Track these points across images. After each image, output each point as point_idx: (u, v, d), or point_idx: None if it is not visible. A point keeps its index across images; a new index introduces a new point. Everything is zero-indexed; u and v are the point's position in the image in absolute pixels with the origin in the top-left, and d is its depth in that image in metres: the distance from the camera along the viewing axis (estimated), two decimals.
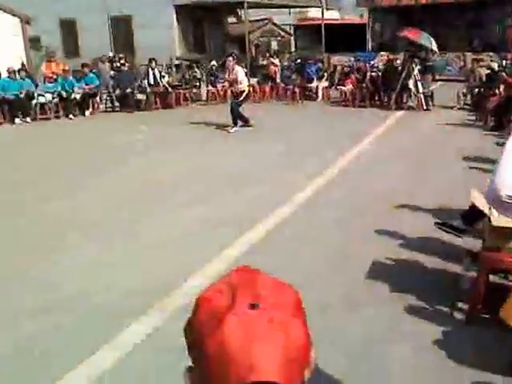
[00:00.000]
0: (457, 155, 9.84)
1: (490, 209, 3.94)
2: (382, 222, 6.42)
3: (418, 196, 7.44)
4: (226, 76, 14.32)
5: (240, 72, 13.55)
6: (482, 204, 4.62)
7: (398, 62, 17.53)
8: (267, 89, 19.38)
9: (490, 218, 4.08)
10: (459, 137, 11.95)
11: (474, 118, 14.06)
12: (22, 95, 15.91)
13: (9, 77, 16.05)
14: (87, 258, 5.71)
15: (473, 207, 5.16)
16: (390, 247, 5.69)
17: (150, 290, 4.82)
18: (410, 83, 15.75)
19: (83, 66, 18.26)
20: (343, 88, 17.96)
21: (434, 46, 15.85)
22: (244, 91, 13.59)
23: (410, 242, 5.81)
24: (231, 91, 14.37)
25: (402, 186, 8.02)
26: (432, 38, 15.87)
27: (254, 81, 19.51)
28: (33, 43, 24.68)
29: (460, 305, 4.39)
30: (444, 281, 4.88)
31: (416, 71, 15.71)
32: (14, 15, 18.53)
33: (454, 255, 5.29)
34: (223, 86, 19.09)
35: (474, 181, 7.58)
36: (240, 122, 13.61)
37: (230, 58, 13.86)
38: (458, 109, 15.73)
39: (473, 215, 5.25)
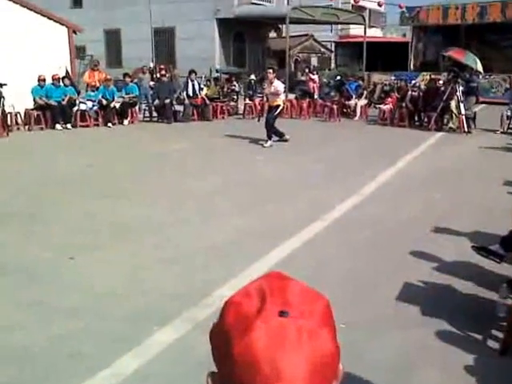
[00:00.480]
0: (497, 180, 9.52)
1: None
2: (416, 244, 6.21)
3: (454, 219, 7.20)
4: (265, 88, 14.19)
5: (279, 86, 13.46)
6: None
7: (441, 82, 17.25)
8: (305, 105, 19.25)
9: None
10: (501, 161, 11.57)
11: None
12: (64, 102, 16.18)
13: (53, 83, 16.34)
14: (122, 260, 5.72)
15: None
16: (424, 270, 5.48)
17: (179, 298, 4.78)
18: (452, 104, 15.41)
19: (125, 75, 18.53)
20: (382, 107, 17.75)
21: (480, 67, 15.55)
22: (279, 105, 13.51)
23: (445, 265, 5.60)
24: (268, 105, 14.23)
25: (438, 209, 7.80)
26: (477, 59, 15.57)
27: (292, 96, 19.46)
28: (78, 52, 25.01)
29: (495, 333, 4.18)
30: (478, 307, 4.67)
31: (459, 92, 15.36)
32: (62, 24, 18.92)
33: (490, 281, 5.09)
34: (261, 100, 19.06)
35: None
36: (275, 137, 13.50)
37: (270, 71, 13.73)
38: (501, 133, 15.32)
39: None
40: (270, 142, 13.28)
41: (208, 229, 6.84)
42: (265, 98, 15.54)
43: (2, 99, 14.64)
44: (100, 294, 4.89)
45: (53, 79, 16.42)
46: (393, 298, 4.83)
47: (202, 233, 6.68)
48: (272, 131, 13.44)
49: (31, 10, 18.11)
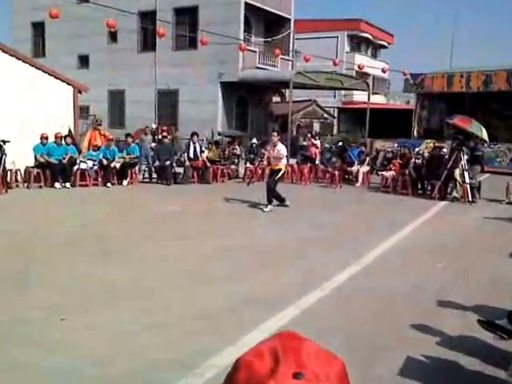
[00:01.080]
0: (503, 252, 9.25)
1: None
2: (419, 316, 5.93)
3: (458, 291, 6.95)
4: (268, 151, 13.95)
5: (282, 149, 13.23)
6: None
7: (445, 150, 17.05)
8: (306, 170, 19.01)
9: None
10: (506, 233, 11.27)
11: None
12: (65, 161, 16.09)
13: (55, 142, 16.32)
14: (110, 324, 5.47)
15: None
16: (427, 344, 5.17)
17: (167, 366, 4.56)
18: (457, 173, 15.15)
19: (127, 135, 18.46)
20: (385, 174, 17.50)
21: (485, 136, 15.36)
22: (281, 169, 13.29)
23: (449, 339, 5.29)
24: (269, 168, 13.97)
25: (441, 281, 7.49)
26: (482, 127, 15.39)
27: (293, 161, 19.26)
28: (81, 112, 25.07)
29: None
30: None
31: (464, 160, 15.11)
32: (68, 84, 19.07)
33: (497, 358, 4.78)
34: (259, 162, 18.81)
35: None
36: (275, 201, 13.19)
37: (275, 133, 13.57)
38: (507, 203, 14.98)
39: None
40: (270, 207, 12.95)
41: (202, 294, 6.57)
42: (265, 162, 15.29)
43: (4, 156, 14.52)
44: (86, 358, 4.67)
45: (55, 138, 16.40)
46: (395, 374, 4.54)
47: (195, 298, 6.41)
48: (272, 195, 13.12)
49: (39, 68, 18.25)
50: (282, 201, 13.33)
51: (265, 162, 15.71)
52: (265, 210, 12.87)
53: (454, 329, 5.54)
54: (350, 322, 5.77)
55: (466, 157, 15.25)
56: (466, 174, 15.07)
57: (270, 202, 13.04)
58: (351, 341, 5.23)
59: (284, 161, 13.42)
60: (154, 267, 7.74)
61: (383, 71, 34.84)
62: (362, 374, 4.52)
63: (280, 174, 13.27)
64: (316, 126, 36.57)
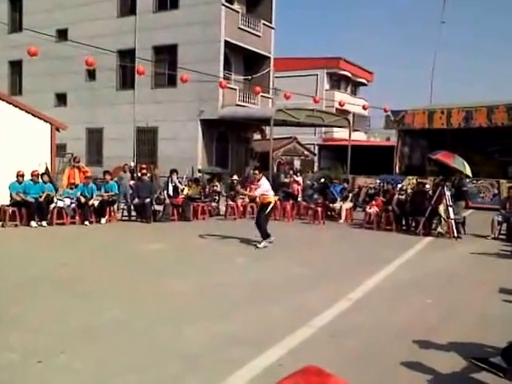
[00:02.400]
0: (491, 287, 9.07)
1: None
2: (409, 355, 5.69)
3: (447, 328, 6.76)
4: (248, 191, 13.75)
5: (266, 184, 13.20)
6: None
7: (427, 186, 16.90)
8: (289, 207, 18.77)
9: None
10: (494, 268, 11.09)
11: (510, 248, 13.08)
12: (41, 199, 15.66)
13: (32, 180, 15.91)
14: (89, 367, 5.16)
15: None
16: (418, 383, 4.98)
17: None
18: (441, 208, 14.98)
19: (105, 173, 18.07)
20: (368, 210, 17.27)
21: (468, 171, 15.23)
22: (270, 202, 13.16)
23: (441, 379, 5.08)
24: (260, 203, 13.68)
25: (430, 317, 7.27)
26: (465, 163, 15.27)
27: (275, 198, 19.01)
28: (58, 150, 24.73)
29: None
30: None
31: (448, 196, 14.98)
32: (46, 122, 18.82)
33: None
34: (242, 201, 18.64)
35: (510, 315, 7.30)
36: (271, 238, 12.95)
37: (256, 171, 13.55)
38: (493, 238, 14.85)
39: None
40: (264, 243, 12.72)
41: (184, 334, 6.27)
42: (247, 199, 15.08)
43: None
44: None
45: (32, 175, 15.99)
46: None
47: (178, 339, 6.10)
48: (260, 230, 12.89)
49: (16, 106, 17.99)
50: (267, 236, 13.02)
51: (246, 199, 15.48)
52: (259, 246, 12.65)
53: (445, 368, 5.32)
54: (339, 361, 5.48)
55: (449, 192, 15.12)
56: (450, 209, 14.92)
57: (264, 237, 12.83)
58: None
59: (271, 193, 13.28)
60: (135, 307, 7.40)
61: (364, 108, 34.94)
62: None
63: (269, 208, 13.12)
64: (297, 163, 36.57)
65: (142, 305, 7.52)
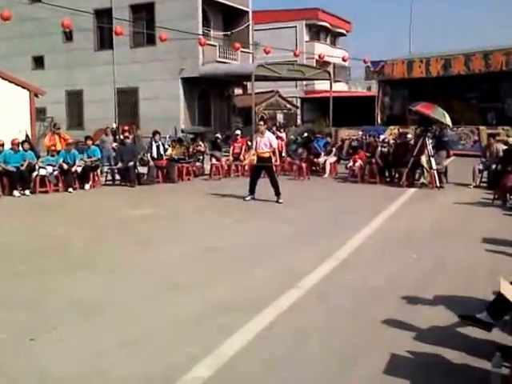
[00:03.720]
0: (475, 238, 9.21)
1: None
2: (397, 311, 5.82)
3: (433, 282, 6.89)
4: (256, 141, 13.92)
5: (272, 139, 13.70)
6: None
7: (409, 136, 16.98)
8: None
9: None
10: (476, 217, 11.26)
11: (491, 196, 13.19)
12: (23, 167, 15.46)
13: (12, 149, 15.67)
14: (82, 343, 5.15)
15: (500, 298, 4.51)
16: (408, 339, 5.08)
17: (148, 381, 4.38)
18: (423, 159, 15.10)
19: (86, 138, 17.88)
20: (351, 165, 17.32)
21: (449, 121, 15.31)
22: (271, 158, 13.61)
23: (431, 334, 5.19)
24: (257, 155, 13.92)
25: (417, 271, 7.41)
26: (445, 113, 15.33)
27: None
28: (38, 114, 24.49)
29: None
30: (471, 379, 4.34)
31: (429, 147, 15.08)
32: (23, 88, 18.55)
33: (481, 350, 4.69)
34: (227, 160, 18.69)
35: (494, 266, 7.38)
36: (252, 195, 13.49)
37: (261, 122, 13.98)
38: (474, 187, 15.03)
39: (501, 307, 4.63)
40: (281, 198, 13.25)
41: (174, 303, 6.28)
42: (253, 151, 15.29)
43: None
44: (57, 381, 4.41)
45: (12, 144, 15.75)
46: (380, 372, 4.43)
47: (168, 308, 6.12)
48: (275, 187, 13.38)
49: None
50: (250, 192, 13.60)
51: (252, 156, 15.65)
52: (279, 200, 13.20)
53: (433, 323, 5.44)
54: (330, 321, 5.63)
55: (430, 142, 15.23)
56: (432, 159, 15.04)
57: (278, 194, 13.29)
58: (333, 340, 5.14)
59: (270, 149, 13.56)
60: (123, 278, 7.41)
61: (344, 60, 34.70)
62: (347, 374, 4.44)
63: (274, 162, 13.88)
64: (280, 117, 36.45)
65: (131, 275, 7.52)
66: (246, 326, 5.46)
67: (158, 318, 5.83)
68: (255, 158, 14.06)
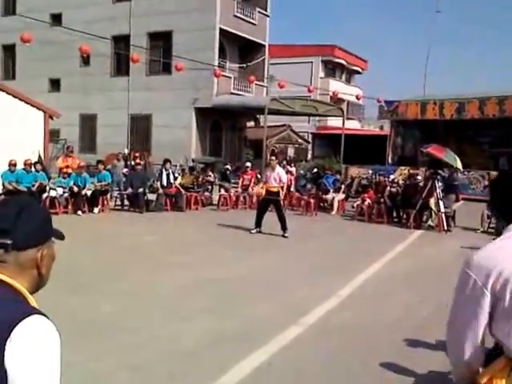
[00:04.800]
0: None
1: None
2: (397, 354, 5.80)
3: (435, 326, 6.69)
4: (266, 175, 14.08)
5: (283, 174, 13.85)
6: None
7: (419, 177, 17.00)
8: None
9: None
10: None
11: None
12: (34, 188, 15.74)
13: (24, 169, 15.94)
14: (82, 364, 5.09)
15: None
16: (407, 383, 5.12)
17: None
18: (432, 201, 15.09)
19: (98, 162, 18.08)
20: (360, 203, 17.32)
21: (459, 165, 15.34)
22: (279, 192, 13.70)
23: (429, 379, 5.25)
24: (266, 189, 14.19)
25: (419, 314, 7.40)
26: (457, 156, 15.37)
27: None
28: (52, 135, 24.70)
29: None
30: None
31: (439, 189, 15.08)
32: (39, 109, 18.77)
33: None
34: (236, 191, 18.77)
35: None
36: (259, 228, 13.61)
37: (273, 157, 14.15)
38: (482, 232, 14.95)
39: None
40: (287, 232, 13.36)
41: (178, 331, 6.32)
42: (260, 189, 15.87)
43: None
44: None
45: (25, 164, 16.00)
46: None
47: (172, 335, 6.16)
48: (282, 221, 13.47)
49: (9, 93, 17.94)
50: (256, 225, 13.67)
51: (259, 189, 15.82)
52: (285, 234, 13.31)
53: (433, 367, 5.41)
54: (329, 360, 5.62)
55: (440, 184, 15.23)
56: (441, 202, 15.03)
57: (284, 228, 13.41)
58: (330, 380, 5.13)
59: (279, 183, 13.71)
60: (129, 302, 7.46)
61: (357, 98, 34.93)
62: None
63: (281, 198, 13.94)
64: (290, 151, 36.52)
65: (135, 300, 7.56)
66: (244, 360, 5.46)
67: (158, 344, 5.84)
68: (264, 190, 14.16)
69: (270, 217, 13.90)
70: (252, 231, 13.55)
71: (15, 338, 1.49)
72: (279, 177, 13.54)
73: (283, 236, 13.22)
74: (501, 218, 2.38)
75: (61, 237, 1.84)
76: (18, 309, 1.58)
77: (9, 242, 1.62)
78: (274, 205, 13.83)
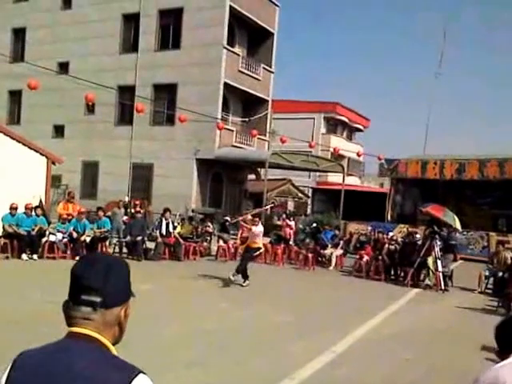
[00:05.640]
0: (474, 344, 9.04)
1: None
2: None
3: None
4: (240, 232, 14.33)
5: (261, 230, 14.02)
6: None
7: (418, 235, 17.05)
8: (280, 250, 18.83)
9: None
10: (478, 324, 11.05)
11: (495, 304, 13.10)
12: (33, 232, 15.74)
13: (25, 213, 15.98)
14: None
15: None
16: None
17: None
18: (430, 260, 15.11)
19: (98, 209, 18.13)
20: (358, 259, 17.34)
21: (458, 225, 15.42)
22: (259, 248, 13.88)
23: None
24: (246, 245, 14.33)
25: (410, 373, 7.34)
26: (455, 216, 15.46)
27: (266, 240, 19.09)
28: (54, 181, 24.80)
29: None
30: None
31: (437, 248, 15.11)
32: (42, 155, 18.93)
33: None
34: (234, 243, 18.77)
35: None
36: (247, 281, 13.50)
37: (257, 219, 14.32)
38: (479, 292, 14.92)
39: None
40: (239, 280, 13.33)
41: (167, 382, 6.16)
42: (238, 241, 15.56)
43: None
44: None
45: (25, 208, 16.06)
46: None
47: None
48: (242, 268, 13.37)
49: (13, 138, 18.10)
50: (245, 278, 13.54)
51: (238, 242, 15.80)
52: (232, 278, 13.27)
53: None
54: None
55: (438, 243, 15.27)
56: (438, 262, 15.04)
57: (244, 276, 13.41)
58: None
59: (261, 240, 13.95)
60: (118, 351, 7.33)
61: (358, 155, 35.26)
62: None
63: (258, 252, 13.98)
64: (290, 205, 36.66)
65: (124, 351, 7.41)
66: None
67: None
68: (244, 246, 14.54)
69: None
70: (243, 284, 13.49)
71: None
72: (261, 234, 13.98)
73: (229, 277, 13.29)
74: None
75: (133, 294, 1.88)
76: (125, 368, 1.75)
77: (98, 300, 1.71)
78: (247, 253, 13.91)
